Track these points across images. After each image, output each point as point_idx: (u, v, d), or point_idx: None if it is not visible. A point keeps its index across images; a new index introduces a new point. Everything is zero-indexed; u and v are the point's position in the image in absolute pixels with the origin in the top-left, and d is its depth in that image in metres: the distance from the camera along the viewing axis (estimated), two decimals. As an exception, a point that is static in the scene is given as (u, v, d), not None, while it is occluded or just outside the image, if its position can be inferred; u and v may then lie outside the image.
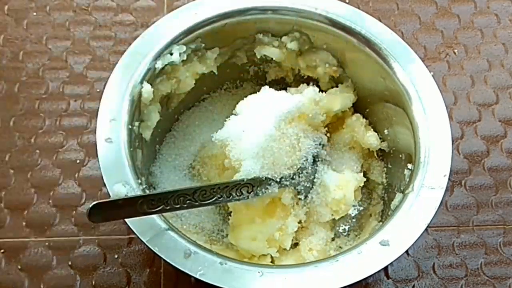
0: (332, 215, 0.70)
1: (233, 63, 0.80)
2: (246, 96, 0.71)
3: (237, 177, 0.63)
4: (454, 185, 0.82)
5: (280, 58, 0.78)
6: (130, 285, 0.73)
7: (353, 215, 0.77)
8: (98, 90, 0.86)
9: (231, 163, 0.65)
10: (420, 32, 0.95)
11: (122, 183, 0.59)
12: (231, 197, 0.62)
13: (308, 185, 0.69)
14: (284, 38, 0.76)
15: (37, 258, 0.74)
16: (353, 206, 0.76)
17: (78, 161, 0.81)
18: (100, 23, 0.93)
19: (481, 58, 0.93)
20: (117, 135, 0.63)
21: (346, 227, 0.76)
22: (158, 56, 0.69)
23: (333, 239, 0.73)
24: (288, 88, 0.78)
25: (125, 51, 0.69)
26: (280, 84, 0.83)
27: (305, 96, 0.70)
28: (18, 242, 0.75)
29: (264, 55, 0.77)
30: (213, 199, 0.61)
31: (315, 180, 0.70)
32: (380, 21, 0.74)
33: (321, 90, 0.74)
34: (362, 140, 0.75)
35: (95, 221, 0.55)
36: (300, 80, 0.81)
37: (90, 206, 0.54)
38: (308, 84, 0.77)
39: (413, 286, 0.75)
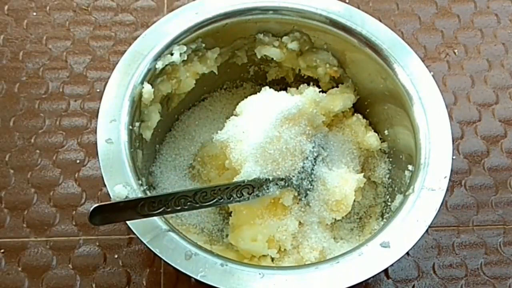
0: (332, 215, 0.70)
1: (234, 63, 0.80)
2: (246, 96, 0.71)
3: (237, 178, 0.63)
4: (454, 185, 0.82)
5: (281, 58, 0.78)
6: (130, 285, 0.73)
7: (353, 215, 0.77)
8: (98, 90, 0.86)
9: (231, 164, 0.65)
10: (420, 32, 0.95)
11: (122, 185, 0.59)
12: (231, 198, 0.62)
13: (308, 186, 0.69)
14: (284, 38, 0.76)
15: (37, 258, 0.74)
16: (354, 206, 0.76)
17: (78, 161, 0.81)
18: (100, 23, 0.93)
19: (481, 58, 0.93)
20: (118, 136, 0.63)
21: (347, 228, 0.76)
22: (158, 56, 0.69)
23: (333, 240, 0.73)
24: (288, 88, 0.78)
25: (125, 51, 0.69)
26: (280, 84, 0.83)
27: (305, 97, 0.70)
28: (18, 242, 0.75)
29: (265, 55, 0.77)
30: (214, 200, 0.61)
31: (315, 180, 0.70)
32: (380, 21, 0.74)
33: (321, 91, 0.74)
34: (362, 140, 0.75)
35: (97, 223, 0.55)
36: (301, 80, 0.81)
37: (91, 209, 0.54)
38: (308, 84, 0.77)
39: (413, 286, 0.75)
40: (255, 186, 0.63)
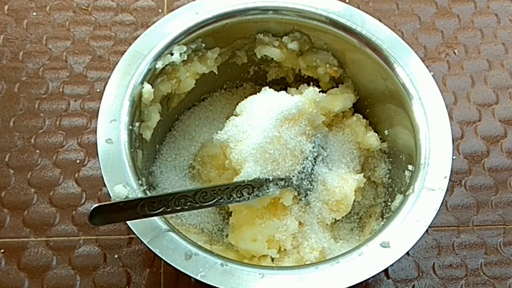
0: (332, 215, 0.70)
1: (234, 63, 0.80)
2: (246, 96, 0.71)
3: (237, 178, 0.63)
4: (454, 185, 0.82)
5: (281, 58, 0.78)
6: (130, 285, 0.73)
7: (353, 215, 0.77)
8: (98, 90, 0.86)
9: (231, 164, 0.65)
10: (420, 32, 0.95)
11: (123, 185, 0.59)
12: (231, 198, 0.62)
13: (308, 186, 0.69)
14: (284, 38, 0.76)
15: (37, 258, 0.74)
16: (354, 206, 0.76)
17: (78, 161, 0.81)
18: (100, 23, 0.93)
19: (481, 58, 0.93)
20: (118, 136, 0.63)
21: (347, 228, 0.76)
22: (158, 56, 0.69)
23: (333, 240, 0.73)
24: (288, 88, 0.78)
25: (125, 51, 0.69)
26: (280, 84, 0.83)
27: (305, 97, 0.70)
28: (18, 242, 0.75)
29: (265, 55, 0.77)
30: (214, 200, 0.61)
31: (315, 180, 0.70)
32: (380, 21, 0.74)
33: (321, 91, 0.74)
34: (363, 140, 0.75)
35: (97, 223, 0.55)
36: (301, 80, 0.81)
37: (91, 209, 0.54)
38: (308, 84, 0.78)
39: (413, 286, 0.75)
40: (255, 186, 0.63)
